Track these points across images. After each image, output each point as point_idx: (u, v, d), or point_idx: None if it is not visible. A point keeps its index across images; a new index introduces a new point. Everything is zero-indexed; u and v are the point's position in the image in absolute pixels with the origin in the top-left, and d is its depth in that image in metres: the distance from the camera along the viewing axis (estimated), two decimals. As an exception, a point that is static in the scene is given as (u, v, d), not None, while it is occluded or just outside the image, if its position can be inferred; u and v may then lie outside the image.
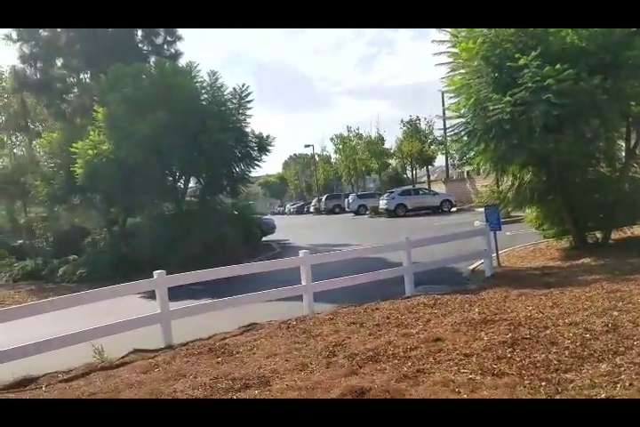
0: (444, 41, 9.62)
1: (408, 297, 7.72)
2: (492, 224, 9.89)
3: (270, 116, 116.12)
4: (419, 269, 8.94)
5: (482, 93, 8.93)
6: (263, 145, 15.79)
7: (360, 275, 8.37)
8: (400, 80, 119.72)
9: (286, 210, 58.99)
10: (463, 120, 9.85)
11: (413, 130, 40.03)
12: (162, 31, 18.54)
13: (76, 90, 18.84)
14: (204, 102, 14.84)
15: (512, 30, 8.76)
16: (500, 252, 10.65)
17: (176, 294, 9.26)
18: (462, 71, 9.49)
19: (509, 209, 11.57)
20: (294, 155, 72.83)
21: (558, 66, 8.18)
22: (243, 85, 15.47)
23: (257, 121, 43.80)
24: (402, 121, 41.00)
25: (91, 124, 14.79)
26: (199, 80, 15.00)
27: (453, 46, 9.40)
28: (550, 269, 9.12)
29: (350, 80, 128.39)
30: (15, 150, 22.41)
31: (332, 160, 56.45)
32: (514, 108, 8.41)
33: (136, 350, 6.29)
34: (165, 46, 18.36)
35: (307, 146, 55.80)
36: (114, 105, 13.74)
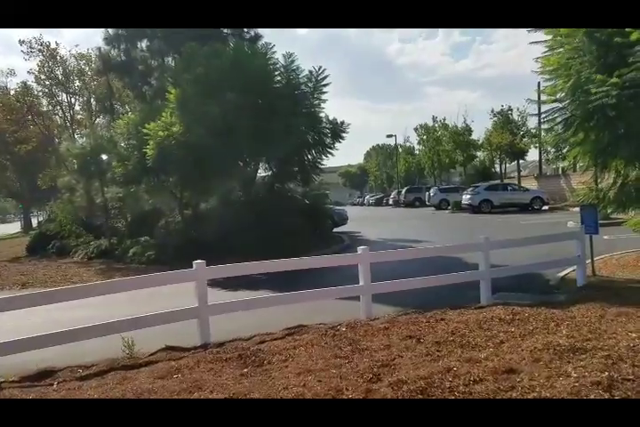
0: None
1: (482, 307, 6.74)
2: (589, 227, 8.70)
3: (356, 106, 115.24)
4: (499, 274, 7.89)
5: (583, 74, 7.54)
6: (337, 132, 14.97)
7: (427, 277, 7.48)
8: (494, 70, 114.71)
9: (365, 201, 58.17)
10: (560, 105, 8.45)
11: (504, 121, 37.45)
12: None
13: (157, 73, 18.83)
14: (278, 85, 14.22)
15: None
16: (595, 258, 9.34)
17: (237, 282, 8.84)
18: (561, 50, 8.10)
19: (609, 211, 10.03)
20: (377, 145, 71.09)
21: None
22: (319, 68, 14.70)
23: (341, 111, 43.10)
24: (492, 111, 38.56)
25: (166, 105, 14.63)
26: (273, 62, 14.36)
27: (551, 22, 8.02)
28: (658, 283, 7.73)
29: (441, 70, 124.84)
30: (100, 131, 23.08)
31: (416, 151, 54.51)
32: (621, 92, 7.01)
33: (167, 348, 5.77)
34: (246, 29, 17.87)
35: (389, 136, 53.61)
36: (186, 86, 13.46)
